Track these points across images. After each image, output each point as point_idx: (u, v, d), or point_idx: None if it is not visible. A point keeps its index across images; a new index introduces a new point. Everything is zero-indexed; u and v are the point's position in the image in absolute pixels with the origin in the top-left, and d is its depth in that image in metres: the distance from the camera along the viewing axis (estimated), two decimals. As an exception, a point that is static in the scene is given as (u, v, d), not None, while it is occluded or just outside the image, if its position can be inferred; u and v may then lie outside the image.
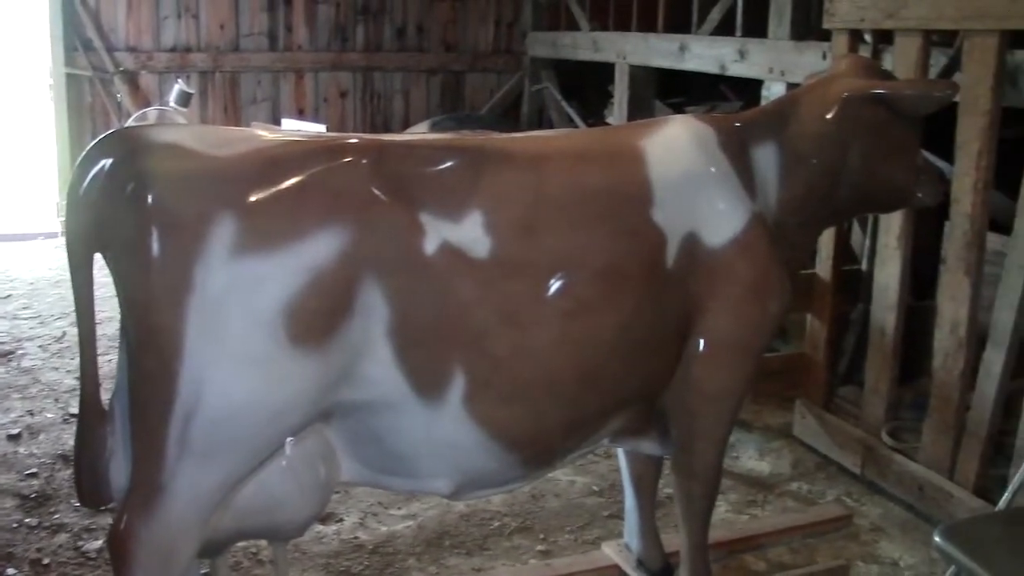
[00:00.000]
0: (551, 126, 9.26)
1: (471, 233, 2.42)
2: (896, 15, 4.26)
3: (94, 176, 2.27)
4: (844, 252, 5.00)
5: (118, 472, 2.43)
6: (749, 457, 4.81)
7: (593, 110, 8.89)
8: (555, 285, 2.49)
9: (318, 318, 2.27)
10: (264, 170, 2.30)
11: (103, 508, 3.02)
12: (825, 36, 4.91)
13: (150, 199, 2.21)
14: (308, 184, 2.30)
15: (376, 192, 2.34)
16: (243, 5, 8.82)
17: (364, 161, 2.37)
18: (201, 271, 2.19)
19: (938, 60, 4.35)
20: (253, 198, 2.25)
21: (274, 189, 2.27)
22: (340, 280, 2.28)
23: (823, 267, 4.86)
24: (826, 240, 4.78)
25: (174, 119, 7.41)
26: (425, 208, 2.39)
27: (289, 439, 2.40)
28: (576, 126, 8.67)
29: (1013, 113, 4.06)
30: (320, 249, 2.26)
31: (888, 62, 4.46)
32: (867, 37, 4.73)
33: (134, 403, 2.34)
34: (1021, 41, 3.94)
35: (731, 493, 4.41)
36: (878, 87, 3.01)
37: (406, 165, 2.42)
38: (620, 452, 3.40)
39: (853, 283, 4.96)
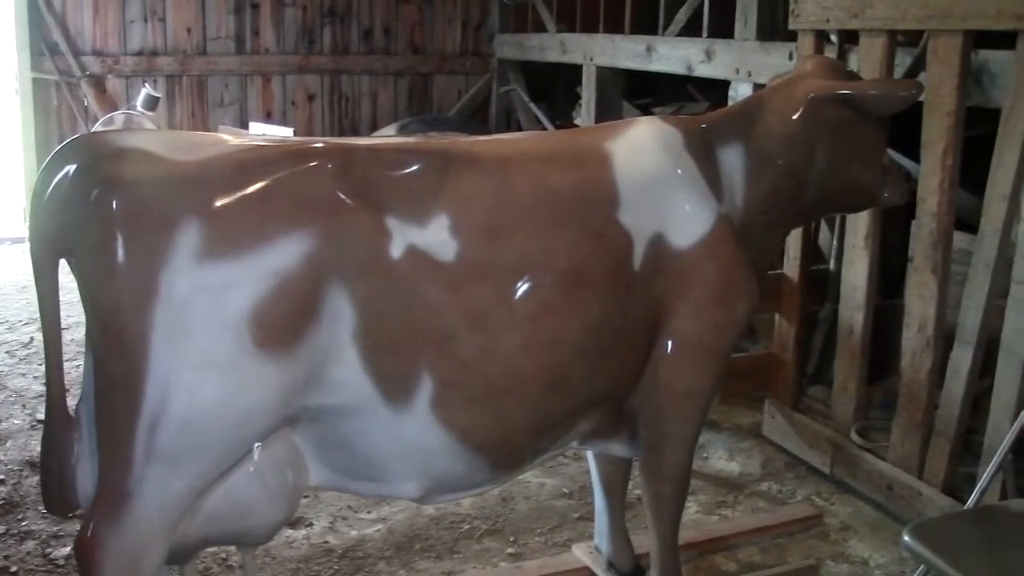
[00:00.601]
0: (519, 128, 9.26)
1: (437, 236, 2.41)
2: (861, 15, 4.28)
3: (58, 182, 2.25)
4: (812, 252, 5.03)
5: (85, 479, 2.41)
6: (719, 457, 4.82)
7: (561, 111, 8.89)
8: (522, 288, 2.48)
9: (284, 323, 2.26)
10: (229, 175, 2.28)
11: (71, 515, 2.99)
12: (791, 36, 4.92)
13: (115, 204, 2.19)
14: (273, 189, 2.29)
15: (341, 196, 2.33)
16: (210, 8, 8.77)
17: (329, 165, 2.36)
18: (167, 276, 2.18)
19: (904, 60, 4.37)
20: (218, 203, 2.23)
21: (239, 194, 2.25)
22: (306, 285, 2.26)
23: (791, 267, 4.88)
24: (794, 240, 4.80)
25: (141, 123, 7.35)
26: (391, 212, 2.38)
27: (257, 444, 2.39)
28: (544, 127, 8.68)
29: (978, 112, 4.08)
30: (286, 254, 2.24)
31: (854, 62, 4.48)
32: (833, 37, 4.75)
33: (100, 409, 2.32)
34: (985, 41, 3.96)
35: (701, 494, 4.42)
36: (843, 87, 3.02)
37: (371, 169, 2.41)
38: (589, 454, 3.40)
39: (821, 283, 4.99)
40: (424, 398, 2.44)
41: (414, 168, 2.47)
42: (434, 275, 2.40)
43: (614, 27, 7.56)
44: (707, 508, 4.32)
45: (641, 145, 2.83)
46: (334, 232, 2.30)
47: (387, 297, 2.36)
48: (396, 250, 2.36)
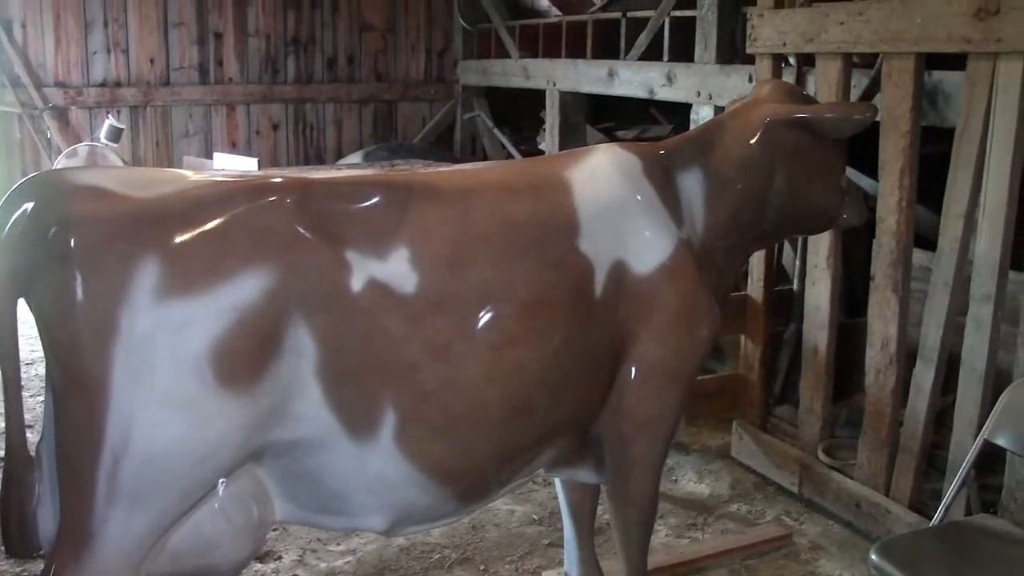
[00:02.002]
0: (484, 153, 9.29)
1: (397, 269, 2.41)
2: (816, 39, 4.33)
3: (16, 220, 2.24)
4: (776, 272, 5.06)
5: (47, 519, 2.38)
6: (688, 480, 4.83)
7: (525, 136, 8.93)
8: (483, 318, 2.49)
9: (245, 359, 2.25)
10: (187, 211, 2.28)
11: (33, 556, 2.96)
12: (750, 59, 4.98)
13: (72, 243, 2.18)
14: (232, 224, 2.29)
15: (301, 231, 2.33)
16: (173, 39, 8.76)
17: (288, 200, 2.36)
18: (126, 315, 2.17)
19: (860, 81, 4.43)
20: (177, 240, 2.23)
21: (198, 230, 2.25)
22: (267, 320, 2.26)
23: (755, 288, 4.91)
24: (757, 261, 4.84)
25: (105, 155, 7.34)
26: (351, 245, 2.38)
27: (221, 480, 2.38)
28: (509, 153, 8.71)
29: (938, 131, 4.14)
30: (245, 289, 2.24)
31: (811, 84, 4.53)
32: (791, 60, 4.80)
33: (61, 448, 2.30)
34: (939, 62, 4.02)
35: (671, 517, 4.43)
36: (799, 111, 3.06)
37: (330, 203, 2.41)
38: (557, 481, 3.41)
39: (786, 303, 5.02)
40: (388, 431, 2.43)
41: (373, 201, 2.47)
42: (395, 307, 2.40)
43: (576, 52, 7.61)
44: (677, 531, 4.33)
45: (600, 173, 2.85)
46: (294, 267, 2.30)
47: (348, 330, 2.36)
48: (356, 283, 2.36)
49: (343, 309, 2.35)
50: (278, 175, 2.50)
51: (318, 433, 2.41)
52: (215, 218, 2.29)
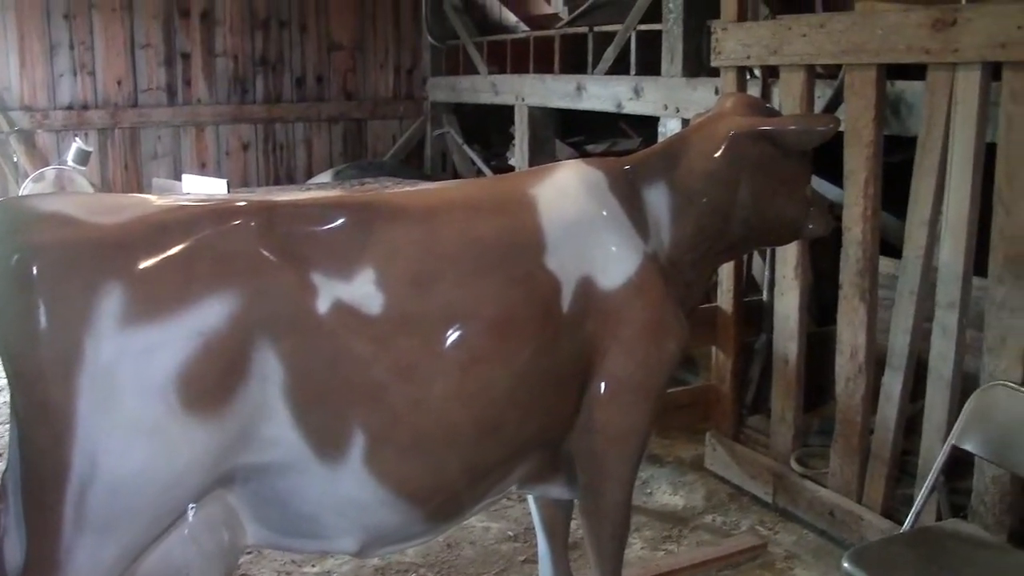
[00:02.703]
0: (454, 170, 9.31)
1: (363, 290, 2.41)
2: (779, 52, 4.37)
3: (-24, 249, 2.23)
4: (746, 283, 5.09)
5: (13, 550, 2.37)
6: (663, 492, 4.84)
7: (495, 152, 8.95)
8: (450, 337, 2.49)
9: (212, 384, 2.25)
10: (151, 237, 2.28)
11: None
12: (716, 72, 5.00)
13: (35, 270, 2.17)
14: (196, 249, 2.28)
15: (265, 254, 2.33)
16: (140, 60, 8.73)
17: (252, 224, 2.36)
18: (90, 342, 2.16)
19: (825, 92, 4.46)
20: (141, 266, 2.22)
21: (162, 256, 2.25)
22: (233, 344, 2.26)
23: (725, 299, 4.94)
24: (726, 273, 4.87)
25: (72, 179, 7.30)
26: (316, 267, 2.38)
27: (191, 506, 2.37)
28: (479, 168, 8.72)
29: (904, 139, 4.18)
30: (211, 314, 2.24)
31: (776, 96, 4.57)
32: (756, 72, 4.84)
33: (27, 478, 2.28)
34: (901, 73, 4.06)
35: (646, 529, 4.44)
36: (763, 124, 3.07)
37: (295, 225, 2.42)
38: (530, 497, 3.41)
39: (756, 314, 5.04)
40: (357, 452, 2.43)
41: (338, 223, 2.47)
42: (362, 329, 2.40)
43: (544, 67, 7.63)
44: (652, 544, 4.33)
45: (565, 189, 2.86)
46: (259, 290, 2.30)
47: (316, 353, 2.36)
48: (323, 305, 2.37)
49: (310, 332, 2.35)
50: (243, 198, 2.49)
51: (287, 456, 2.40)
52: (179, 243, 2.28)
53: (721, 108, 3.28)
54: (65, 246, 2.22)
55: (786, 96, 4.41)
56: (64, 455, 2.18)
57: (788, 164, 3.13)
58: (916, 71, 3.90)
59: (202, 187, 6.93)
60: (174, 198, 2.53)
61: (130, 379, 2.18)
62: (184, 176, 8.22)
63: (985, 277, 3.64)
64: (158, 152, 8.92)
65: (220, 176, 8.38)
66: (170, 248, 2.27)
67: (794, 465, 4.56)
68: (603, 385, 2.81)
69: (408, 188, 2.91)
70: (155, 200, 2.44)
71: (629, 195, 2.95)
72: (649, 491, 4.83)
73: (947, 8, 3.66)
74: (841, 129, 3.85)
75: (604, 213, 2.86)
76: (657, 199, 3.00)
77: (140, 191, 8.47)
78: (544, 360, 2.65)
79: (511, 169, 8.04)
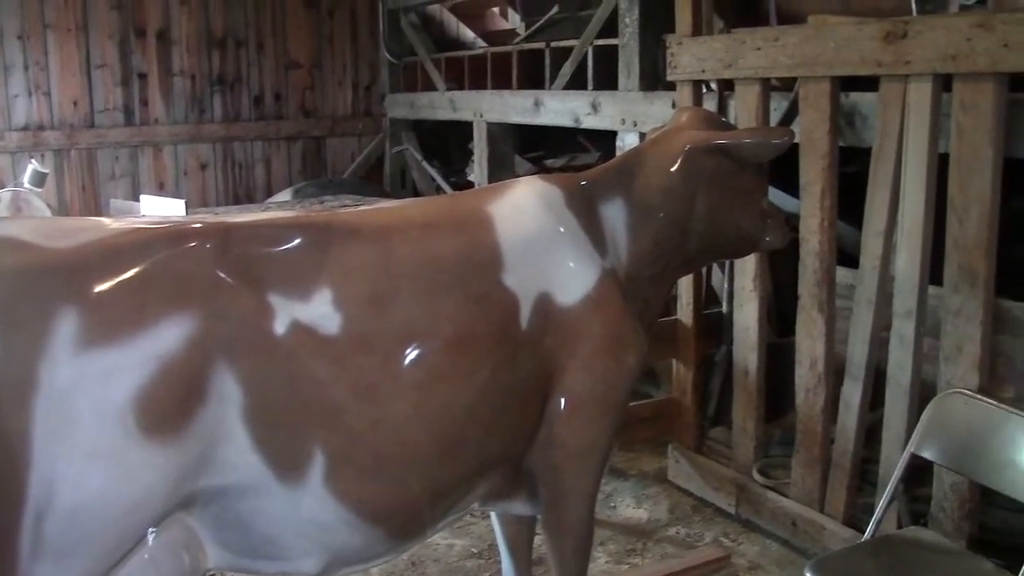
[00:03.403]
0: (414, 186, 9.30)
1: (321, 310, 2.40)
2: (734, 65, 4.40)
3: (-72, 276, 2.21)
4: (706, 296, 5.11)
5: (-30, 579, 2.35)
6: (626, 505, 4.85)
7: (455, 168, 8.95)
8: (409, 356, 2.49)
9: (170, 407, 2.23)
10: (106, 260, 2.26)
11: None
12: (673, 86, 5.03)
13: (-12, 297, 2.15)
14: (152, 272, 2.27)
15: (222, 275, 2.32)
16: (96, 80, 8.66)
17: (208, 245, 2.35)
18: (45, 368, 2.14)
19: (780, 105, 4.50)
20: (96, 290, 2.20)
21: (117, 279, 2.23)
22: (190, 367, 2.24)
23: (684, 312, 4.96)
24: (686, 285, 4.89)
25: (29, 200, 7.22)
26: (273, 288, 2.37)
27: (151, 530, 2.35)
28: (439, 185, 8.72)
29: (858, 151, 4.22)
30: (167, 337, 2.22)
31: (732, 109, 4.60)
32: (712, 85, 4.87)
33: (-17, 506, 2.27)
34: (856, 84, 4.10)
35: (610, 543, 4.44)
36: (718, 138, 3.09)
37: (251, 246, 2.41)
38: (493, 514, 3.40)
39: (717, 326, 5.06)
40: (317, 473, 2.42)
41: (294, 243, 2.47)
42: (320, 349, 2.39)
43: (502, 83, 7.65)
44: (617, 557, 4.34)
45: (522, 206, 2.86)
46: (216, 312, 2.29)
47: (274, 374, 2.35)
48: (280, 326, 2.36)
49: (268, 353, 2.34)
50: (198, 220, 2.48)
51: (247, 478, 2.39)
52: (134, 266, 2.27)
53: (676, 122, 3.30)
54: (19, 272, 2.20)
55: (742, 109, 4.45)
56: (20, 482, 2.15)
57: (744, 177, 3.15)
58: (870, 82, 3.94)
59: (160, 208, 6.89)
60: (129, 220, 2.51)
61: (87, 404, 2.16)
62: (142, 197, 8.16)
63: (941, 286, 3.68)
64: (116, 173, 8.84)
65: (179, 196, 8.33)
66: (125, 271, 2.25)
67: (756, 476, 4.58)
68: (563, 401, 2.82)
69: (365, 207, 2.90)
70: (110, 223, 2.42)
71: (586, 211, 2.95)
72: (613, 505, 4.84)
73: (898, 21, 3.71)
74: (796, 141, 3.90)
75: (561, 229, 2.87)
76: (614, 214, 3.01)
77: (98, 212, 8.41)
78: (504, 377, 2.65)
79: (471, 185, 8.05)
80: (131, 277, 2.25)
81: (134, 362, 2.19)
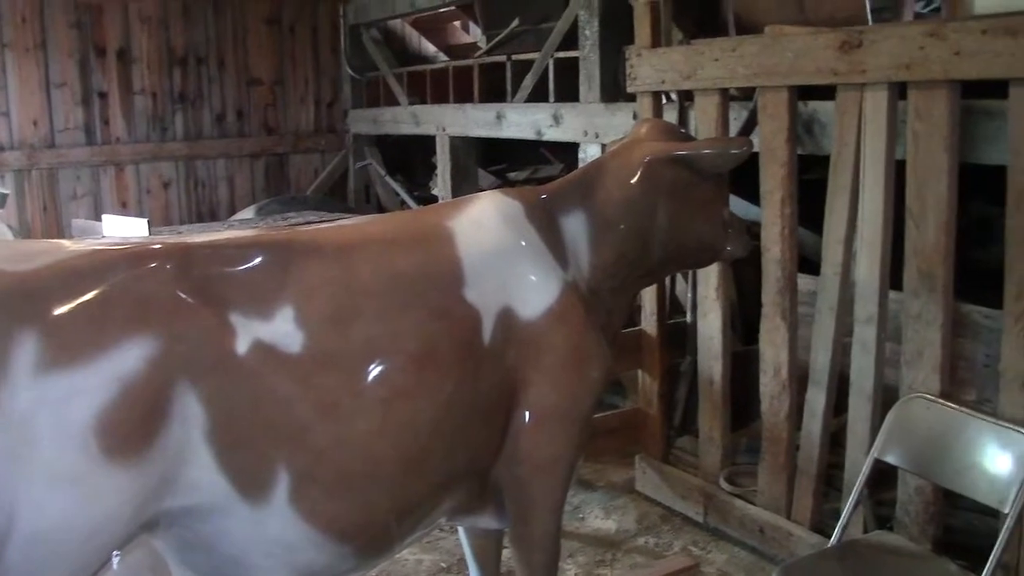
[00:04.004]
0: (378, 202, 9.30)
1: (283, 329, 2.40)
2: (693, 76, 4.43)
3: None
4: (670, 306, 5.13)
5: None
6: (595, 516, 4.86)
7: (419, 183, 8.95)
8: (372, 373, 2.49)
9: (132, 429, 2.21)
10: (65, 283, 2.24)
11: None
12: (635, 97, 5.05)
13: (-55, 323, 2.14)
14: (112, 294, 2.26)
15: (182, 296, 2.32)
16: (56, 100, 8.60)
17: (168, 266, 2.34)
18: (5, 393, 2.12)
19: (741, 114, 4.54)
20: (55, 313, 2.19)
21: (76, 302, 2.22)
22: (152, 388, 2.23)
23: (648, 323, 4.98)
24: (649, 296, 4.91)
25: (-10, 222, 7.17)
26: (234, 308, 2.37)
27: (115, 553, 2.34)
28: (403, 200, 8.71)
29: (817, 158, 4.25)
30: (128, 359, 2.21)
31: (692, 119, 4.63)
32: (673, 96, 4.90)
33: (-57, 534, 2.25)
34: (814, 93, 4.13)
35: (579, 555, 4.44)
36: (677, 149, 3.11)
37: (212, 266, 2.40)
38: (461, 528, 3.40)
39: (682, 335, 5.08)
40: (282, 492, 2.41)
41: (255, 262, 2.46)
42: (282, 368, 2.39)
43: (464, 96, 7.66)
44: (586, 569, 4.34)
45: (483, 220, 2.87)
46: (177, 333, 2.28)
47: (237, 394, 2.34)
48: (242, 346, 2.35)
49: (230, 373, 2.34)
50: (158, 241, 2.47)
51: (212, 499, 2.38)
52: (94, 288, 2.25)
53: (636, 134, 3.32)
54: (-24, 296, 2.18)
55: (702, 119, 4.48)
56: (-19, 507, 2.14)
57: (704, 187, 3.17)
58: (828, 90, 3.98)
59: (123, 227, 6.84)
60: (88, 242, 2.50)
61: (48, 428, 2.14)
62: (104, 216, 8.10)
63: (902, 291, 3.71)
64: (77, 193, 8.79)
65: (142, 215, 8.27)
66: (85, 293, 2.24)
67: (723, 484, 4.60)
68: (528, 414, 2.82)
69: (326, 224, 2.90)
70: (69, 245, 2.41)
71: (547, 224, 2.97)
72: (581, 516, 4.84)
73: (853, 31, 3.74)
74: (756, 150, 3.93)
75: (522, 243, 2.87)
76: (575, 227, 3.03)
77: (60, 233, 8.35)
78: (467, 392, 2.66)
79: (435, 199, 8.06)
80: (91, 299, 2.24)
81: (95, 384, 2.18)
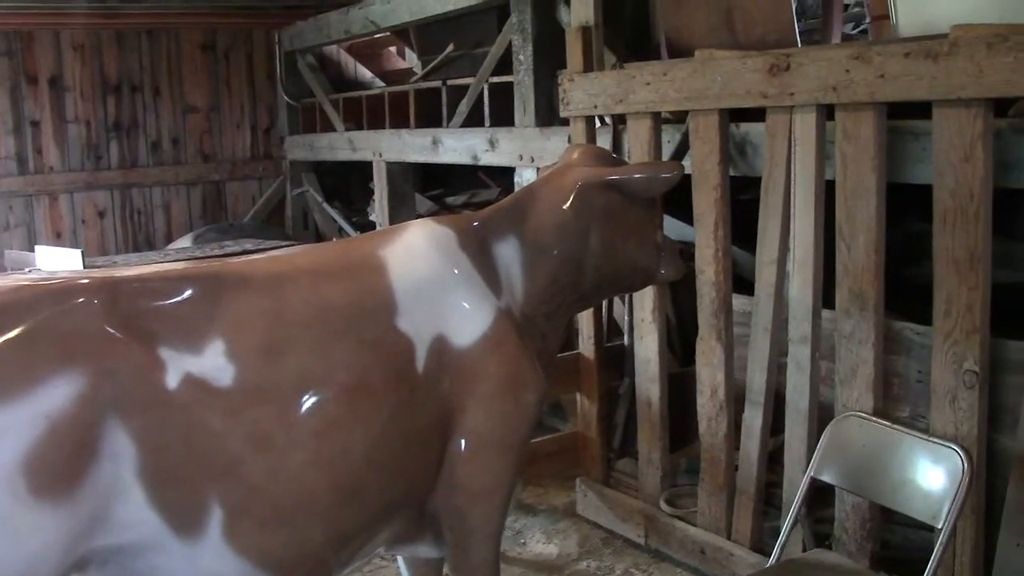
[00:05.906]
0: (316, 228, 9.26)
1: (213, 362, 2.38)
2: (625, 100, 4.46)
3: None
4: (607, 329, 5.15)
5: None
6: (536, 541, 4.85)
7: (357, 209, 8.93)
8: (304, 405, 2.47)
9: (60, 467, 2.18)
10: None
11: None
12: (568, 121, 5.08)
13: None
14: (38, 330, 2.23)
15: (111, 331, 2.29)
16: (-13, 129, 8.52)
17: (95, 301, 2.32)
18: None
19: (674, 137, 4.57)
20: None
21: (2, 339, 2.19)
22: (81, 426, 2.20)
23: (586, 346, 4.99)
24: (586, 319, 4.93)
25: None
26: (163, 342, 2.35)
27: (45, 595, 2.30)
28: (340, 226, 8.68)
29: (751, 179, 4.29)
30: (56, 396, 2.18)
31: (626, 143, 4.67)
32: (607, 120, 4.93)
33: None
34: (746, 115, 4.17)
35: (522, 581, 4.44)
36: (609, 174, 3.14)
37: (140, 300, 2.38)
38: (399, 557, 3.38)
39: (620, 358, 5.10)
40: (216, 527, 2.38)
41: (184, 295, 2.45)
42: (214, 402, 2.36)
43: (400, 122, 7.66)
44: (529, 594, 4.34)
45: (415, 249, 2.87)
46: (106, 369, 2.25)
47: (168, 429, 2.31)
48: (172, 380, 2.33)
49: (161, 408, 2.31)
50: (85, 275, 2.45)
51: (144, 536, 2.35)
52: (19, 324, 2.23)
53: (568, 159, 3.34)
54: (-101, 335, 2.15)
55: (634, 143, 4.51)
56: (-94, 552, 2.10)
57: (636, 211, 3.20)
58: (760, 112, 4.02)
59: (57, 258, 6.74)
60: (15, 277, 2.47)
61: (-27, 467, 2.11)
62: (37, 247, 7.99)
63: (834, 310, 3.75)
64: (10, 223, 8.67)
65: (76, 245, 8.18)
66: (11, 330, 2.22)
67: (664, 506, 4.61)
68: (463, 442, 2.82)
69: (256, 256, 2.88)
70: (-5, 282, 2.38)
71: (479, 251, 2.97)
72: (523, 541, 4.83)
73: (781, 54, 3.79)
74: (689, 172, 3.96)
75: (455, 271, 2.88)
76: (508, 254, 3.03)
77: (-8, 264, 8.23)
78: (402, 421, 2.65)
79: (373, 225, 8.04)
80: (17, 336, 2.21)
81: (22, 422, 2.15)
